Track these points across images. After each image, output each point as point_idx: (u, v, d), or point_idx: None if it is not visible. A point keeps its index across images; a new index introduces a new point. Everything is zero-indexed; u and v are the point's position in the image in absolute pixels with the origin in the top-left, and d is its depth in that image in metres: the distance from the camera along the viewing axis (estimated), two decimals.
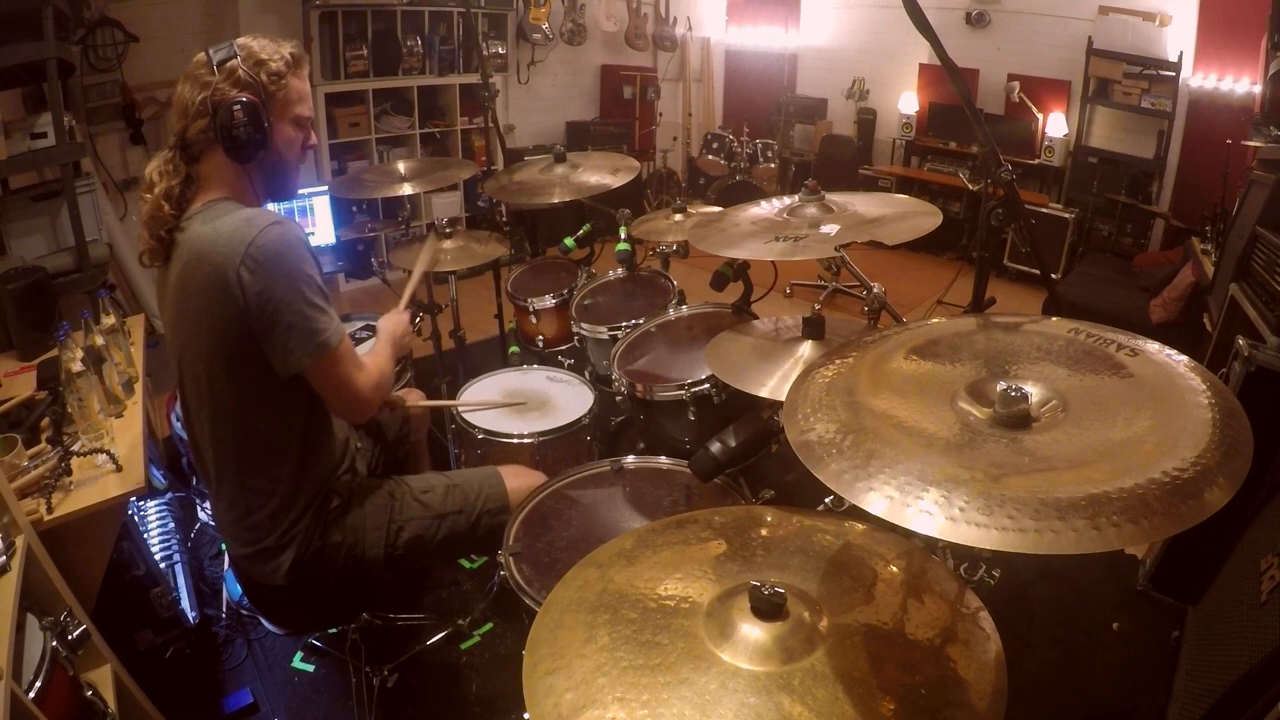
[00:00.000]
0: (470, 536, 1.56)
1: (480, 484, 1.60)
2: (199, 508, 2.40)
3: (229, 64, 1.25)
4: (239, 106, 1.24)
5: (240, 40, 1.28)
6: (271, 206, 1.41)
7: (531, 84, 5.65)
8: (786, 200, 1.75)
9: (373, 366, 1.39)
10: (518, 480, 1.61)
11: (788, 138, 6.12)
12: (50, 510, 1.45)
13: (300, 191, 3.34)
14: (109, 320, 1.99)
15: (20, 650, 1.22)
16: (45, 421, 1.71)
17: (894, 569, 0.97)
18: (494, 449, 1.92)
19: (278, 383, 1.28)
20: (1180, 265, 3.65)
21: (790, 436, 0.93)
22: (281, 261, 1.21)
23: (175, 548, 2.12)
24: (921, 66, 5.52)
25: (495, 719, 1.83)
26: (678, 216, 2.42)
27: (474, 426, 1.94)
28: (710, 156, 5.96)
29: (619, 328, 2.11)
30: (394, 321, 1.63)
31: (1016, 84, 5.06)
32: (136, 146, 3.89)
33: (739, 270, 1.95)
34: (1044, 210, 4.75)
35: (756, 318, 1.90)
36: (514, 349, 2.75)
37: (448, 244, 2.43)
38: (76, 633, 1.38)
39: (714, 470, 1.31)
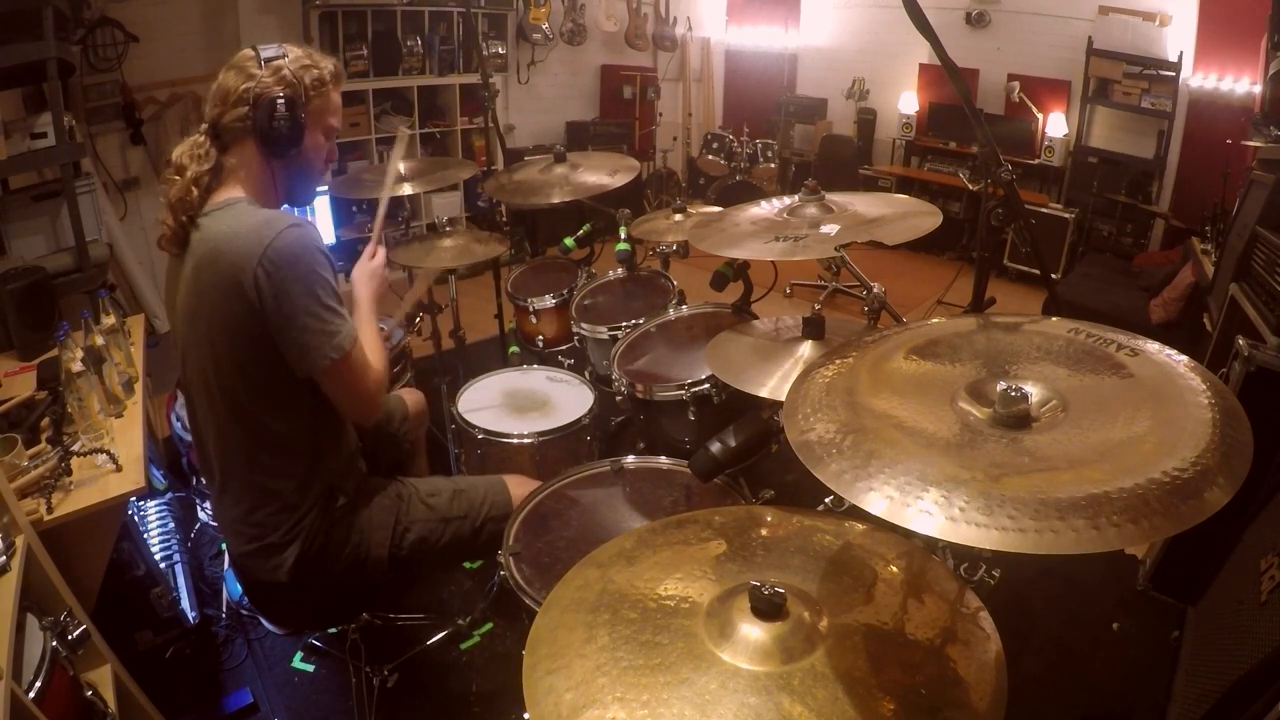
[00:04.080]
0: (473, 542, 1.57)
1: (486, 490, 1.61)
2: (199, 508, 2.40)
3: (276, 62, 1.29)
4: (281, 101, 1.28)
5: (288, 44, 1.33)
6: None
7: (531, 84, 5.65)
8: (786, 200, 1.75)
9: (374, 360, 1.39)
10: (523, 489, 1.61)
11: (788, 138, 6.11)
12: (50, 510, 1.45)
13: None
14: (109, 320, 1.98)
15: (20, 650, 1.22)
16: (45, 421, 1.70)
17: (894, 569, 0.97)
18: (494, 449, 1.92)
19: (287, 382, 1.28)
20: (1180, 265, 3.65)
21: (790, 436, 0.93)
22: (299, 264, 1.22)
23: (175, 548, 2.12)
24: (921, 66, 5.52)
25: (495, 719, 1.83)
26: (678, 216, 2.42)
27: (474, 426, 1.94)
28: (710, 156, 5.96)
29: (619, 328, 2.11)
30: (364, 275, 1.56)
31: (1016, 84, 5.06)
32: (136, 146, 3.89)
33: (739, 270, 1.95)
34: (1044, 210, 4.75)
35: (756, 318, 1.90)
36: (514, 349, 2.75)
37: (447, 244, 2.43)
38: (76, 633, 1.38)
39: (714, 470, 1.31)
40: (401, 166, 1.82)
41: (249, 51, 1.30)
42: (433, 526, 1.53)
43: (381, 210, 1.72)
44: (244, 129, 1.29)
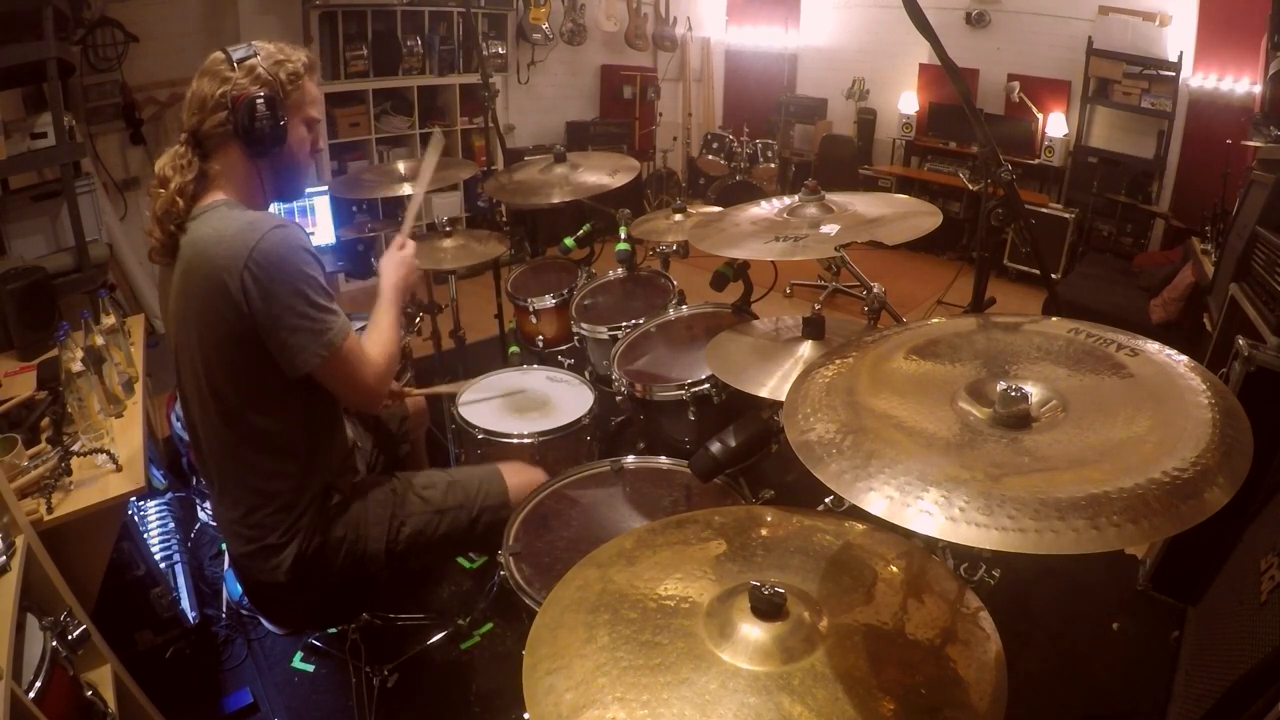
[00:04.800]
0: (470, 532, 1.57)
1: (481, 480, 1.60)
2: (199, 508, 2.40)
3: (249, 62, 1.27)
4: (261, 101, 1.26)
5: (256, 42, 1.31)
6: (273, 208, 1.42)
7: (531, 84, 5.65)
8: (786, 200, 1.75)
9: (376, 353, 1.38)
10: (518, 477, 1.62)
11: (788, 138, 6.11)
12: (50, 510, 1.45)
13: None
14: (109, 320, 1.98)
15: (20, 650, 1.22)
16: (45, 421, 1.70)
17: (894, 569, 0.97)
18: (494, 449, 1.92)
19: (280, 383, 1.28)
20: (1180, 265, 3.66)
21: (790, 436, 0.93)
22: (285, 265, 1.22)
23: (175, 548, 2.12)
24: (921, 66, 5.52)
25: (495, 719, 1.83)
26: (678, 216, 2.42)
27: (474, 426, 1.94)
28: (710, 156, 5.96)
29: (619, 328, 2.11)
30: (393, 263, 1.55)
31: (1016, 84, 5.06)
32: (136, 146, 3.89)
33: (739, 270, 1.95)
34: (1044, 210, 4.75)
35: (756, 318, 1.90)
36: (514, 349, 2.75)
37: (447, 243, 2.43)
38: (76, 633, 1.38)
39: (714, 470, 1.31)
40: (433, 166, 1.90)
41: (219, 55, 1.28)
42: (428, 518, 1.53)
43: (414, 206, 1.77)
44: (226, 134, 1.28)
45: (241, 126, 1.26)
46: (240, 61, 1.27)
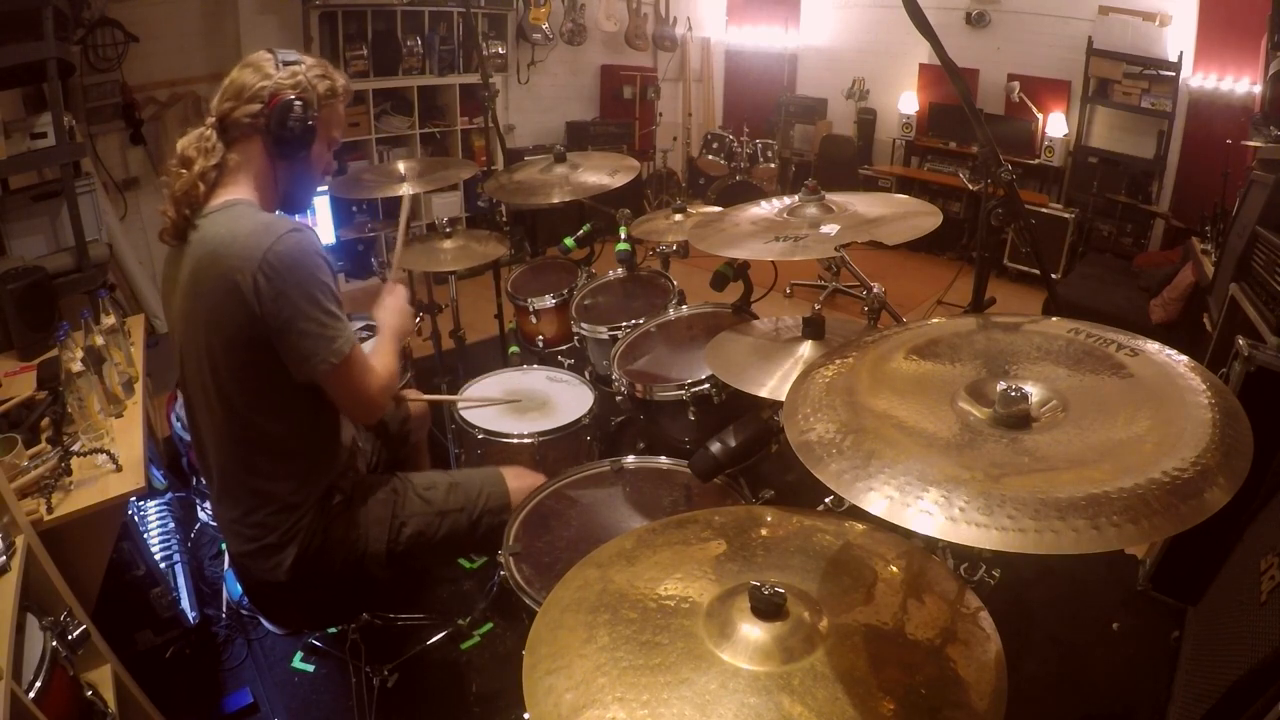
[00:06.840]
0: (471, 535, 1.57)
1: (482, 482, 1.60)
2: (199, 508, 2.40)
3: (294, 67, 1.31)
4: (299, 104, 1.29)
5: (304, 54, 1.35)
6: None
7: (531, 84, 5.65)
8: (786, 200, 1.76)
9: (380, 368, 1.40)
10: (519, 480, 1.62)
11: (788, 138, 6.12)
12: (50, 510, 1.45)
13: None
14: (109, 320, 1.98)
15: (20, 650, 1.22)
16: (45, 421, 1.70)
17: (894, 569, 0.97)
18: (494, 449, 1.92)
19: (285, 385, 1.28)
20: (1180, 265, 3.65)
21: (790, 436, 0.93)
22: (298, 269, 1.22)
23: (175, 548, 2.12)
24: (921, 66, 5.52)
25: (495, 719, 1.83)
26: (678, 216, 2.42)
27: (474, 426, 1.94)
28: (710, 156, 5.96)
29: (619, 328, 2.11)
30: (391, 310, 1.59)
31: (1016, 84, 5.06)
32: (136, 146, 3.89)
33: (739, 270, 1.95)
34: (1044, 210, 4.75)
35: (756, 318, 1.90)
36: (514, 349, 2.75)
37: (447, 244, 2.43)
38: (76, 633, 1.38)
39: (714, 470, 1.31)
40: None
41: (266, 53, 1.31)
42: (429, 520, 1.53)
43: (399, 252, 1.92)
44: (253, 126, 1.29)
45: (274, 123, 1.28)
46: (286, 64, 1.30)
